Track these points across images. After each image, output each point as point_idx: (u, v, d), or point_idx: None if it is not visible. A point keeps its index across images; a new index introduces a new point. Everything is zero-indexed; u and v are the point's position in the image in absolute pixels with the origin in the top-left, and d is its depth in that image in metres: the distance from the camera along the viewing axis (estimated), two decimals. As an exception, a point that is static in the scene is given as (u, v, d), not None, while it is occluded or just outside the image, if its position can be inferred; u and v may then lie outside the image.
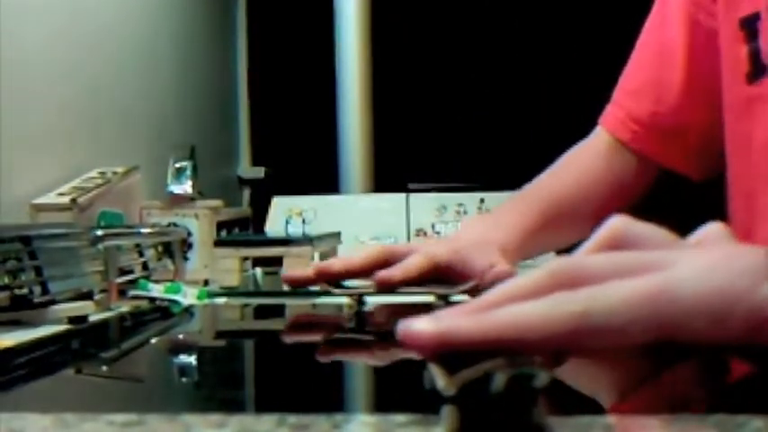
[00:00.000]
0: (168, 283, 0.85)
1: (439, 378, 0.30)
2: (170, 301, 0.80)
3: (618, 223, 0.36)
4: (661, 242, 0.35)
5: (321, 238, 1.04)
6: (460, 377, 0.30)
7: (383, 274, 0.69)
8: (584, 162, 0.92)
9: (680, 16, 0.83)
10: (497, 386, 0.30)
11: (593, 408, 0.33)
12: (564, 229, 0.88)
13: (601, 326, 0.31)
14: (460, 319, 0.31)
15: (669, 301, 0.31)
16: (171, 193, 1.13)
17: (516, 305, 0.32)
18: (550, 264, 0.33)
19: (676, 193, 0.89)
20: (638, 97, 0.88)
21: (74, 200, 0.95)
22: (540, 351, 0.31)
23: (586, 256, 0.34)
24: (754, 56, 0.72)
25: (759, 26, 0.71)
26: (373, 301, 0.72)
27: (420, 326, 0.31)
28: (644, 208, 0.81)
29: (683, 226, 0.38)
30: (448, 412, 0.29)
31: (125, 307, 0.76)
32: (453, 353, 0.31)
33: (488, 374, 0.30)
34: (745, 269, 0.32)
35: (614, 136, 0.91)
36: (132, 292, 0.81)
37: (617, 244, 0.35)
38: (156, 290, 0.82)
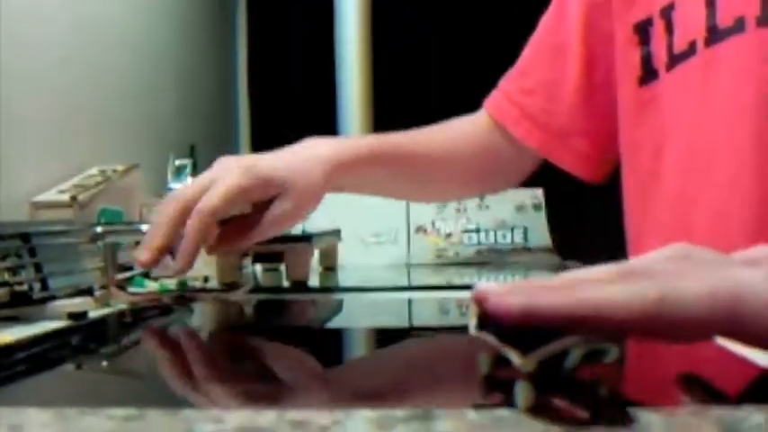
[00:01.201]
0: (171, 280, 0.85)
1: (514, 355, 0.31)
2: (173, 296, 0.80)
3: (682, 245, 0.37)
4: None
5: (321, 234, 1.03)
6: (540, 353, 0.30)
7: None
8: (461, 127, 0.91)
9: (577, 17, 0.82)
10: (572, 362, 0.30)
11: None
12: (408, 175, 0.86)
13: (679, 314, 0.32)
14: (547, 294, 0.32)
15: (741, 301, 0.33)
16: (171, 190, 1.13)
17: (598, 285, 0.32)
18: (617, 264, 0.35)
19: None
20: (531, 93, 0.87)
21: (74, 197, 0.95)
22: (618, 333, 0.32)
23: (650, 260, 0.35)
24: (646, 60, 0.72)
25: (651, 31, 0.71)
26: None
27: (510, 296, 0.31)
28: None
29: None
30: (522, 388, 0.30)
31: (124, 303, 0.76)
32: (519, 330, 0.31)
33: (563, 352, 0.31)
34: None
35: (500, 122, 0.89)
36: (128, 289, 0.81)
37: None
38: (152, 287, 0.82)
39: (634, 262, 0.35)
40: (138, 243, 0.90)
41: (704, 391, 0.36)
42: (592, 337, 0.31)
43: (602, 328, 0.31)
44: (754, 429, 0.27)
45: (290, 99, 1.94)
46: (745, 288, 0.33)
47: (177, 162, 1.15)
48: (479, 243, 1.29)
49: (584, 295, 0.32)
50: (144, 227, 0.95)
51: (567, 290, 0.32)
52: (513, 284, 0.33)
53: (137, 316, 0.71)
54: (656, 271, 0.34)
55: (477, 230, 1.29)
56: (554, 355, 0.31)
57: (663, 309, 0.32)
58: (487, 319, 0.32)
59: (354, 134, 1.55)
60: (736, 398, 0.32)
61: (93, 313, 0.69)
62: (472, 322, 0.33)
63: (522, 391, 0.30)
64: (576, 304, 0.31)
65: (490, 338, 0.32)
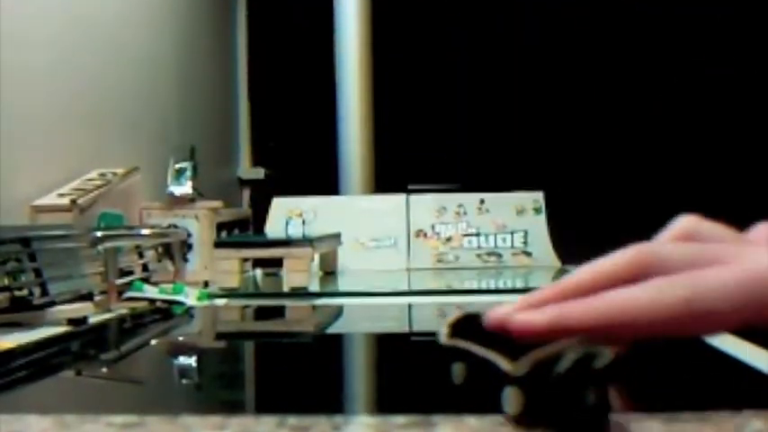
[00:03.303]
0: (171, 284, 0.85)
1: (501, 361, 0.31)
2: (173, 302, 0.80)
3: (689, 220, 0.37)
4: (725, 238, 0.36)
5: (321, 239, 1.03)
6: (530, 358, 0.30)
7: None
8: None
9: None
10: (562, 367, 0.30)
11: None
12: None
13: (707, 310, 0.31)
14: (569, 306, 0.32)
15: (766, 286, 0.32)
16: (171, 194, 1.13)
17: (621, 290, 0.32)
18: (629, 249, 0.34)
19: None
20: None
21: (74, 201, 0.95)
22: (648, 336, 0.32)
23: (663, 244, 0.35)
24: None
25: None
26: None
27: (530, 316, 0.31)
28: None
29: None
30: (511, 394, 0.30)
31: (124, 309, 0.76)
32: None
33: (555, 356, 0.30)
34: None
35: None
36: (127, 294, 0.81)
37: (687, 238, 0.36)
38: (151, 291, 0.82)
39: (640, 248, 0.34)
40: (138, 247, 0.90)
41: (703, 395, 0.36)
42: (584, 341, 0.31)
43: (629, 334, 0.31)
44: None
45: (290, 100, 1.94)
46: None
47: (177, 165, 1.15)
48: (479, 247, 1.29)
49: (610, 303, 0.31)
50: (144, 231, 0.95)
51: (589, 300, 0.32)
52: (525, 300, 0.33)
53: (137, 321, 0.71)
54: (671, 260, 0.33)
55: (478, 234, 1.29)
56: (544, 361, 0.31)
57: (693, 307, 0.31)
58: (460, 328, 0.32)
59: (354, 135, 1.55)
60: (736, 403, 0.31)
61: (94, 318, 0.69)
62: (443, 331, 0.33)
63: (512, 397, 0.30)
64: (601, 313, 0.31)
65: (466, 345, 0.32)
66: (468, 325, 0.33)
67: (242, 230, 1.29)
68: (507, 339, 0.31)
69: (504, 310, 0.32)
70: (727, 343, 0.42)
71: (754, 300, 0.32)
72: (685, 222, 0.36)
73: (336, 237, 1.15)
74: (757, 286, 0.32)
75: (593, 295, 0.32)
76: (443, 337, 0.33)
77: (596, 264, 0.34)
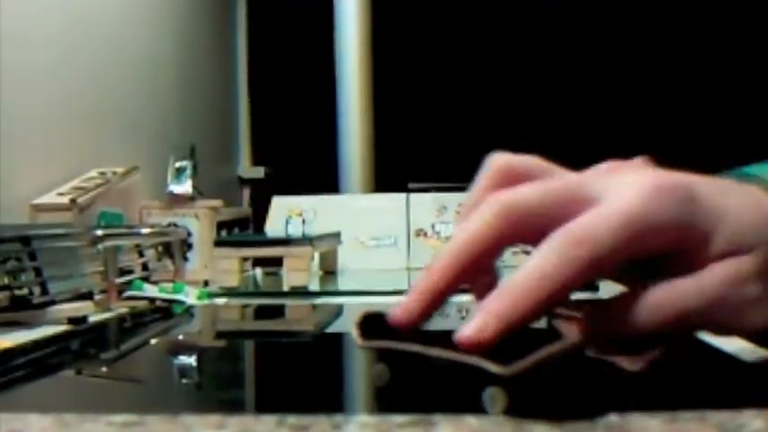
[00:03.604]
0: (171, 283, 0.85)
1: (488, 364, 0.31)
2: (173, 301, 0.80)
3: (498, 159, 0.37)
4: (546, 171, 0.37)
5: (321, 238, 1.03)
6: (521, 364, 0.30)
7: None
8: None
9: None
10: (536, 359, 0.31)
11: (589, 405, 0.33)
12: None
13: (600, 257, 0.32)
14: (494, 305, 0.32)
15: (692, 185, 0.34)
16: (171, 192, 1.13)
17: (528, 268, 0.32)
18: (491, 205, 0.33)
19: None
20: None
21: (73, 200, 0.95)
22: (563, 298, 0.32)
23: (521, 192, 0.34)
24: None
25: None
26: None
27: (476, 330, 0.31)
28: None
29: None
30: (493, 394, 0.30)
31: (124, 308, 0.76)
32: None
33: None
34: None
35: None
36: (127, 293, 0.81)
37: (505, 178, 0.36)
38: (151, 290, 0.82)
39: (501, 204, 0.33)
40: (138, 246, 0.90)
41: (702, 394, 0.36)
42: (572, 346, 0.31)
43: (558, 300, 0.32)
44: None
45: (290, 99, 1.94)
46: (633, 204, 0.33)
47: (177, 164, 1.15)
48: (479, 245, 1.29)
49: (526, 286, 0.31)
50: (144, 230, 0.95)
51: (509, 289, 0.32)
52: (419, 289, 0.33)
53: (137, 320, 0.71)
54: (537, 207, 0.33)
55: (478, 233, 1.29)
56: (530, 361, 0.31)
57: (592, 257, 0.32)
58: (368, 328, 0.32)
59: (354, 134, 1.55)
60: (736, 402, 0.31)
61: (93, 318, 0.69)
62: (354, 334, 0.33)
63: (492, 397, 0.30)
64: (528, 297, 0.31)
65: (386, 345, 0.33)
66: (375, 324, 0.33)
67: (242, 229, 1.29)
68: (420, 334, 0.32)
69: (406, 306, 0.33)
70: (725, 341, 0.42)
71: (637, 238, 0.33)
72: (496, 163, 0.37)
73: (336, 236, 1.15)
74: (635, 222, 0.32)
75: (488, 269, 0.33)
76: (357, 341, 0.33)
77: (465, 232, 0.34)
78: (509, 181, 0.36)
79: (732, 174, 0.43)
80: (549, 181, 0.36)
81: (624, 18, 1.85)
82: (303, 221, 1.30)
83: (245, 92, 1.97)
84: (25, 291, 0.66)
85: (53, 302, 0.67)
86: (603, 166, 0.37)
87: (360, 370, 0.47)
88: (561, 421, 0.28)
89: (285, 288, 0.91)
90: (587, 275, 0.32)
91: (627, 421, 0.29)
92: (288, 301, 0.87)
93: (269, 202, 1.36)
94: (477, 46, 1.88)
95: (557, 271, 0.31)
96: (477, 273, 0.35)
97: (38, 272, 0.67)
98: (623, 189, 0.34)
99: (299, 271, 0.91)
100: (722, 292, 0.33)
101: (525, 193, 0.34)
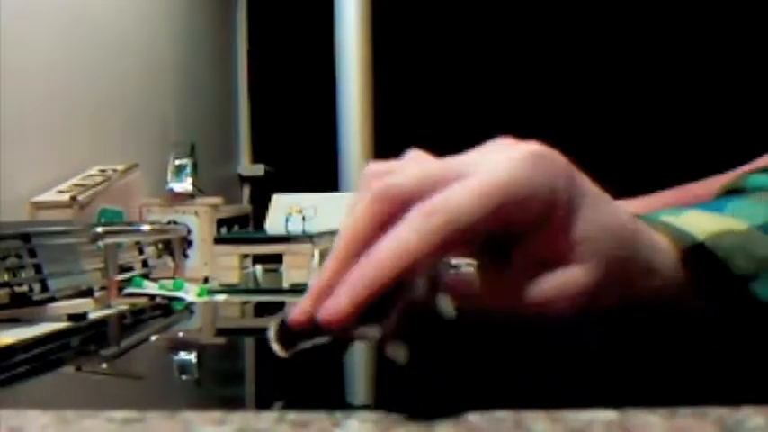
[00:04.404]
0: (171, 280, 0.85)
1: (275, 345, 0.33)
2: (173, 298, 0.80)
3: (372, 168, 0.37)
4: (423, 158, 0.37)
5: (321, 235, 1.03)
6: (295, 350, 0.32)
7: None
8: None
9: None
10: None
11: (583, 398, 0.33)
12: None
13: (463, 221, 0.32)
14: (352, 279, 0.32)
15: (506, 192, 0.33)
16: (171, 190, 1.13)
17: (386, 241, 0.32)
18: (366, 195, 0.34)
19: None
20: None
21: (74, 197, 0.95)
22: (426, 267, 0.33)
23: (395, 176, 0.35)
24: None
25: None
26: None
27: (330, 307, 0.31)
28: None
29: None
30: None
31: (124, 305, 0.76)
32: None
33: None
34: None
35: None
36: (127, 290, 0.81)
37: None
38: (151, 287, 0.82)
39: (374, 190, 0.34)
40: (138, 243, 0.90)
41: (701, 390, 0.36)
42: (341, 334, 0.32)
43: (415, 271, 0.32)
44: (755, 431, 0.27)
45: (290, 99, 1.94)
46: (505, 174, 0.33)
47: (177, 162, 1.15)
48: (479, 243, 1.29)
49: (382, 258, 0.32)
50: (144, 227, 0.95)
51: (363, 263, 0.32)
52: (316, 290, 0.33)
53: (137, 317, 0.71)
54: (410, 186, 0.34)
55: (477, 230, 1.29)
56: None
57: (453, 227, 0.32)
58: (284, 336, 0.33)
59: (354, 131, 1.55)
60: (737, 399, 0.32)
61: (93, 314, 0.69)
62: (275, 348, 0.33)
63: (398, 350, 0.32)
64: (382, 267, 0.31)
65: (303, 345, 0.33)
66: (287, 330, 0.34)
67: (242, 227, 1.29)
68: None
69: (301, 307, 0.33)
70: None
71: (497, 207, 0.33)
72: (370, 171, 0.37)
73: (336, 233, 1.15)
74: (496, 191, 0.33)
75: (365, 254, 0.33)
76: (280, 353, 0.33)
77: (347, 227, 0.35)
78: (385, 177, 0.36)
79: (738, 178, 0.43)
80: (428, 163, 0.36)
81: (625, 18, 1.85)
82: (303, 219, 1.30)
83: (245, 90, 1.97)
84: (25, 288, 0.67)
85: (53, 299, 0.67)
86: (490, 144, 0.38)
87: (360, 367, 0.47)
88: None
89: (285, 285, 0.91)
90: (447, 245, 0.32)
91: (626, 417, 0.29)
92: (288, 299, 0.87)
93: (269, 199, 1.36)
94: (477, 46, 1.88)
95: (413, 240, 0.32)
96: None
97: (38, 269, 0.67)
98: (495, 162, 0.34)
99: (298, 268, 0.91)
100: (551, 298, 0.35)
101: (399, 177, 0.34)
